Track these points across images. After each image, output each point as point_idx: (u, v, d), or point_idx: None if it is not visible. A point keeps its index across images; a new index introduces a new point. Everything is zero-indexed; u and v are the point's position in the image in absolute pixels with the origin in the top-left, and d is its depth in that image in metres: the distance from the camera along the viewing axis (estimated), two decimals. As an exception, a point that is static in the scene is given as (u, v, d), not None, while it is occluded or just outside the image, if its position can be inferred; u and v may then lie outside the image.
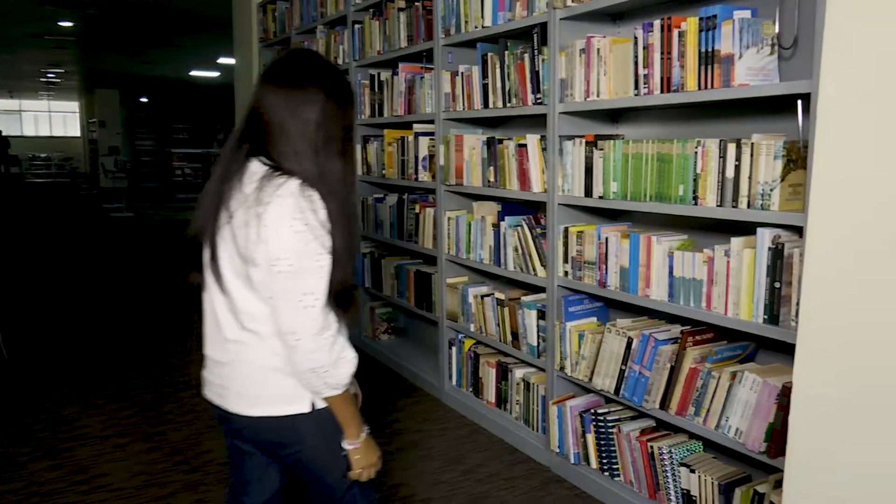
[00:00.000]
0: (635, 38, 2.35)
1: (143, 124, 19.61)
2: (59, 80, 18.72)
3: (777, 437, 2.01)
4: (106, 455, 3.04)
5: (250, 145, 1.47)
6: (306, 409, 1.49)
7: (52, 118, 25.12)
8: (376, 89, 4.08)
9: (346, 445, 1.54)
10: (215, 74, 16.07)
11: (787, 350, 2.09)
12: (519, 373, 3.14)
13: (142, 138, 19.54)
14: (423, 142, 3.68)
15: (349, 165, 1.48)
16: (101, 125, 16.89)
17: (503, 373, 3.23)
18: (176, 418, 3.45)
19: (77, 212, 13.28)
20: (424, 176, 3.70)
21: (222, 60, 13.48)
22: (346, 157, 1.48)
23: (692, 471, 2.32)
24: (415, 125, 3.73)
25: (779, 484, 2.05)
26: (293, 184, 1.39)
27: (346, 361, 1.46)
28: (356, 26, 4.26)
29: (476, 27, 3.13)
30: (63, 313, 5.54)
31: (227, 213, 1.44)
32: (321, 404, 1.50)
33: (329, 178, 1.42)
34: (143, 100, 19.53)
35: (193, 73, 16.08)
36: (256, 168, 1.44)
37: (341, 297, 1.43)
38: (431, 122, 3.61)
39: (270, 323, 1.44)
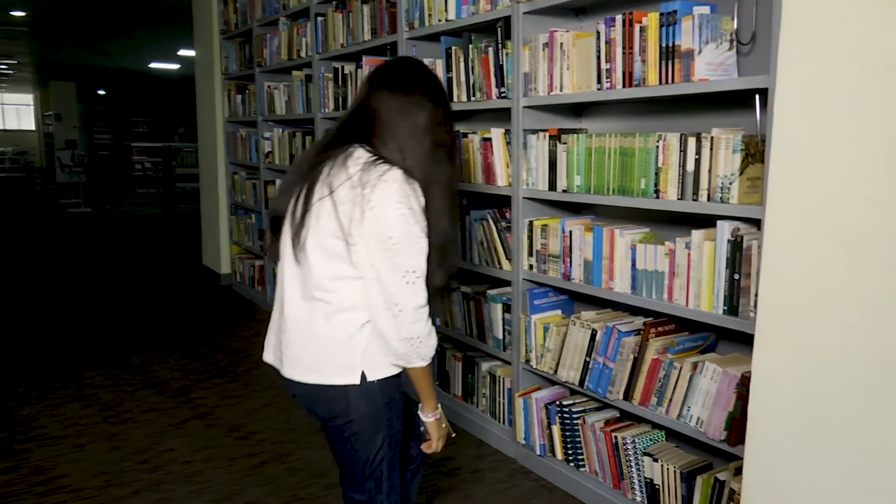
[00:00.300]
0: (598, 32, 2.36)
1: (100, 118, 19.15)
2: (11, 72, 18.15)
3: (737, 425, 2.05)
4: (64, 455, 2.98)
5: (353, 135, 1.61)
6: (356, 381, 1.58)
7: (6, 111, 24.36)
8: (340, 83, 4.05)
9: (424, 418, 1.71)
10: (175, 67, 15.77)
11: (746, 340, 2.14)
12: (485, 366, 3.15)
13: (99, 132, 19.08)
14: (388, 136, 3.65)
15: (454, 169, 1.65)
16: (56, 118, 16.44)
17: (469, 366, 3.24)
18: (137, 416, 3.39)
19: (32, 207, 12.95)
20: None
21: (183, 52, 13.23)
22: (452, 161, 1.64)
23: (655, 460, 2.35)
24: (379, 119, 3.70)
25: (739, 471, 2.09)
26: (397, 172, 1.53)
27: (434, 336, 1.61)
28: (319, 19, 4.22)
29: (440, 20, 3.12)
30: (18, 312, 5.41)
31: (325, 190, 1.55)
32: (371, 377, 1.59)
33: (436, 178, 1.58)
34: (101, 92, 19.08)
35: (153, 65, 15.75)
36: (360, 154, 1.57)
37: (443, 286, 1.62)
38: (396, 115, 3.59)
39: (341, 296, 1.56)
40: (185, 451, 3.04)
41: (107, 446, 3.07)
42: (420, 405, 1.72)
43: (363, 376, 1.59)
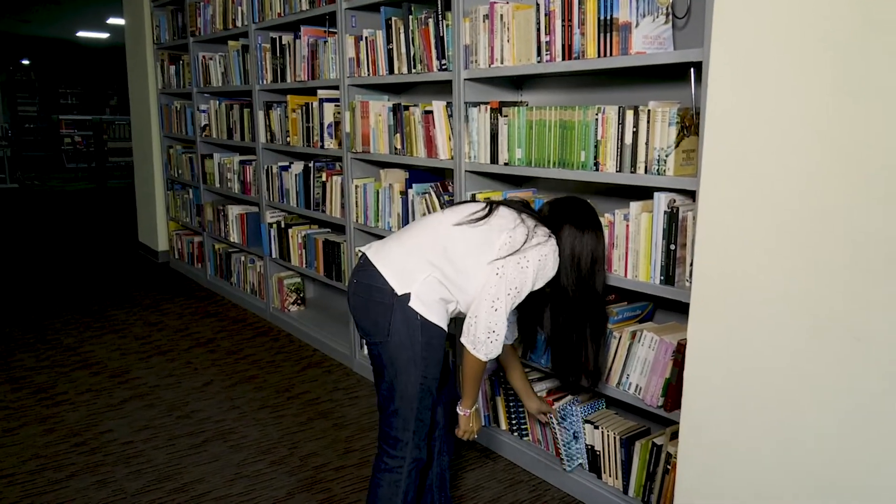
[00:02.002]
0: (537, 4, 2.36)
1: (25, 88, 18.21)
2: (-74, 40, 17.11)
3: (672, 391, 2.12)
4: (-5, 441, 2.88)
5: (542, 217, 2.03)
6: (403, 291, 1.82)
7: (-79, 81, 22.98)
8: (278, 54, 3.95)
9: (459, 411, 2.05)
10: (104, 36, 15.09)
11: (682, 309, 2.20)
12: (429, 339, 3.16)
13: (24, 104, 18.17)
14: (328, 108, 3.60)
15: (601, 289, 2.06)
16: (-24, 89, 15.60)
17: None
18: (73, 398, 3.30)
19: (-46, 183, 12.32)
20: (330, 143, 3.63)
21: (112, 21, 12.68)
22: (599, 283, 2.05)
23: (595, 427, 2.41)
24: (319, 91, 3.64)
25: (675, 435, 2.17)
26: (550, 242, 1.93)
27: (499, 346, 1.89)
28: (255, -13, 4.09)
29: (379, -10, 3.07)
30: (-59, 293, 5.16)
31: (518, 220, 1.96)
32: (417, 308, 1.82)
33: (583, 289, 2.01)
34: (25, 62, 18.15)
35: (80, 33, 15.04)
36: (535, 224, 1.97)
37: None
38: (336, 87, 3.53)
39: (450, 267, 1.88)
40: (124, 431, 2.97)
41: (40, 429, 2.98)
42: (461, 399, 2.04)
43: (408, 297, 1.82)
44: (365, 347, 3.59)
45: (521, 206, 2.03)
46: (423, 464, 1.96)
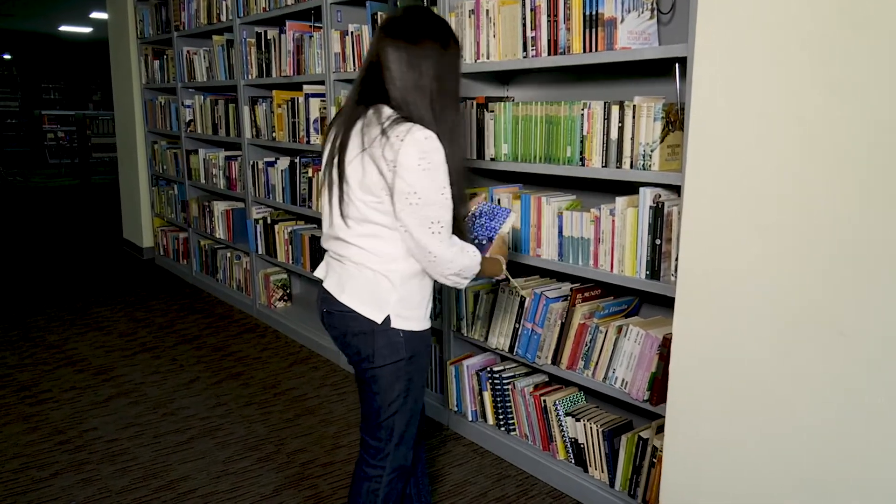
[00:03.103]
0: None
1: (7, 83, 17.98)
2: None
3: (658, 385, 2.13)
4: (-22, 440, 2.85)
5: (373, 93, 1.65)
6: (382, 318, 1.69)
7: None
8: (263, 48, 3.93)
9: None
10: (88, 30, 14.95)
11: (667, 303, 2.21)
12: (416, 335, 3.16)
13: (6, 99, 17.95)
14: (314, 103, 3.58)
15: (460, 115, 1.71)
16: (-43, 84, 15.41)
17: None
18: (57, 396, 3.27)
19: (-66, 180, 12.17)
20: (316, 139, 3.61)
21: (95, 15, 12.56)
22: (458, 108, 1.70)
23: (577, 420, 2.42)
24: (304, 86, 3.62)
25: (661, 429, 2.18)
26: (416, 130, 1.57)
27: (471, 255, 1.70)
28: (239, -19, 4.06)
29: (365, -15, 3.05)
30: (-78, 290, 5.10)
31: (357, 150, 1.63)
32: (397, 325, 1.69)
33: (444, 126, 1.62)
34: (6, 56, 17.93)
35: (63, 28, 14.89)
36: (385, 112, 1.62)
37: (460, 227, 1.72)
38: (322, 83, 3.51)
39: (377, 247, 1.68)
40: (109, 429, 2.95)
41: (23, 428, 2.95)
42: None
43: (388, 320, 1.69)
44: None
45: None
46: (406, 471, 1.89)
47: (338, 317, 1.76)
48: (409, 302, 1.72)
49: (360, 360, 1.77)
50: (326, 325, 1.83)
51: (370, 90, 1.67)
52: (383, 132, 1.59)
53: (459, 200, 1.68)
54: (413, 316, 1.73)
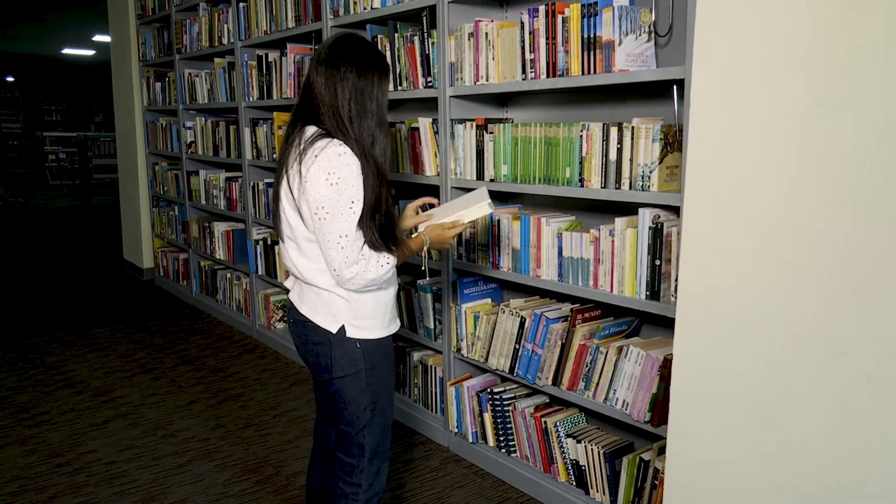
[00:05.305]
0: (521, 22, 2.38)
1: (9, 105, 18.11)
2: None
3: (660, 406, 2.12)
4: (-24, 463, 2.83)
5: (307, 115, 1.77)
6: (336, 328, 1.76)
7: None
8: (264, 71, 3.96)
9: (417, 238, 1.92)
10: (90, 53, 15.07)
11: (667, 324, 2.21)
12: (416, 355, 3.16)
13: (8, 121, 18.07)
14: (315, 125, 3.60)
15: (382, 133, 1.76)
16: (-41, 106, 15.49)
17: (401, 356, 3.24)
18: (55, 418, 3.25)
19: (-64, 201, 12.19)
20: (316, 160, 3.62)
21: (98, 38, 12.66)
22: (381, 126, 1.76)
23: (578, 441, 2.41)
24: (305, 108, 3.64)
25: (662, 450, 2.17)
26: (332, 145, 1.66)
27: (383, 262, 1.73)
28: (241, 4, 4.11)
29: (365, 8, 3.08)
30: (-78, 312, 5.09)
31: (285, 171, 1.74)
32: (352, 334, 1.76)
33: (363, 143, 1.71)
34: (10, 79, 18.06)
35: (66, 50, 15.01)
36: (308, 131, 1.73)
37: (385, 235, 1.74)
38: (322, 104, 3.54)
39: (321, 266, 1.75)
40: (108, 451, 2.93)
41: (21, 450, 2.94)
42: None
43: (343, 330, 1.75)
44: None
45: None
46: (381, 491, 1.89)
47: (299, 326, 1.84)
48: (362, 312, 1.77)
49: (320, 370, 1.82)
50: (292, 334, 1.90)
51: (303, 110, 1.78)
52: (303, 150, 1.69)
53: (385, 210, 1.74)
54: (368, 325, 1.79)
